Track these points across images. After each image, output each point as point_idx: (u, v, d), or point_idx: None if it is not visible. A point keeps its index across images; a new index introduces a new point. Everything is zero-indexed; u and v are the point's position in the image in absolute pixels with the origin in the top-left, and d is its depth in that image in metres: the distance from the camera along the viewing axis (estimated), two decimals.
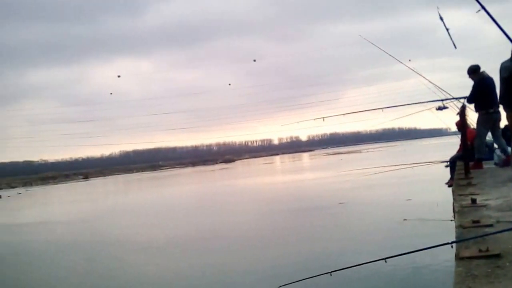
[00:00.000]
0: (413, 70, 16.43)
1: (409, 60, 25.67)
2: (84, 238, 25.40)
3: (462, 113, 11.93)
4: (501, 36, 6.31)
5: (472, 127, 14.16)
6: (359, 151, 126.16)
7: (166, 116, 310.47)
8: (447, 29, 12.08)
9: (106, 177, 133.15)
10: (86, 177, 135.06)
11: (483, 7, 6.62)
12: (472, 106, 12.54)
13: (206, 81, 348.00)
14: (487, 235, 4.93)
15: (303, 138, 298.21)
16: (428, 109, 14.19)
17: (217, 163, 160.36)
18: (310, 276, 7.31)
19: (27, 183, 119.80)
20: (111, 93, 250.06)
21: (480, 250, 4.34)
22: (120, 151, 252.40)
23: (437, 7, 12.46)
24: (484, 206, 6.86)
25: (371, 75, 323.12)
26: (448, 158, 15.80)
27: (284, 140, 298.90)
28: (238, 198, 38.85)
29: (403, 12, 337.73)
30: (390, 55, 16.19)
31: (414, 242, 13.94)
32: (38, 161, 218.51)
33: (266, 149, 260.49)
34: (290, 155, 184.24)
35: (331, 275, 6.46)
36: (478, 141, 12.52)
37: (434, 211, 19.92)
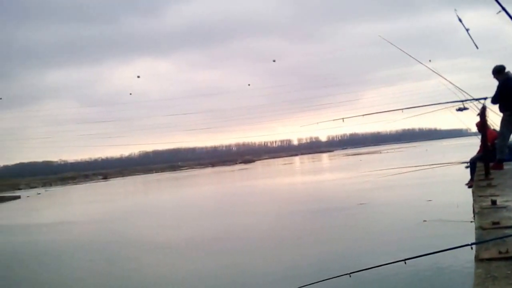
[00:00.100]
0: (433, 71, 16.32)
1: (429, 61, 25.56)
2: (102, 238, 25.51)
3: (482, 114, 11.86)
4: None
5: (492, 128, 14.06)
6: (379, 152, 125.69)
7: (186, 117, 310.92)
8: (467, 30, 12.01)
9: (126, 177, 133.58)
10: (105, 177, 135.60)
11: (503, 9, 6.59)
12: (495, 107, 12.45)
13: (225, 82, 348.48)
14: (507, 236, 4.91)
15: (323, 138, 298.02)
16: (446, 107, 14.07)
17: (236, 163, 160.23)
18: (329, 277, 7.30)
19: (46, 184, 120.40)
20: (130, 94, 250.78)
21: (500, 252, 4.33)
22: (140, 151, 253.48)
23: (455, 9, 12.39)
24: (505, 207, 6.83)
25: (390, 76, 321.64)
26: (468, 159, 15.72)
27: (304, 141, 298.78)
28: (258, 199, 38.83)
29: (423, 12, 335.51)
30: (410, 56, 16.13)
31: (433, 243, 13.86)
32: (57, 162, 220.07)
33: (285, 150, 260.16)
34: (310, 155, 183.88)
35: (350, 276, 6.46)
36: (500, 142, 12.44)
37: (454, 212, 19.81)
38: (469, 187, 13.16)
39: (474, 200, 8.60)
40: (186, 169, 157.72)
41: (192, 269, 16.75)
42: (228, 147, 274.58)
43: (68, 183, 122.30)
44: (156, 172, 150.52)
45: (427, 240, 15.78)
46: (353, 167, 65.98)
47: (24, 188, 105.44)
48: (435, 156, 56.29)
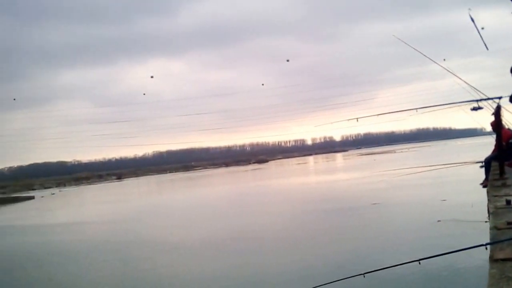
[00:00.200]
0: (448, 70, 16.24)
1: (444, 60, 25.45)
2: (117, 238, 25.58)
3: (497, 113, 11.82)
4: None
5: (507, 127, 13.99)
6: (393, 151, 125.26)
7: (199, 117, 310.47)
8: (478, 31, 11.95)
9: (139, 177, 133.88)
10: (119, 177, 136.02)
11: None
12: (510, 106, 12.37)
13: (239, 81, 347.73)
14: None
15: (337, 138, 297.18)
16: (460, 106, 14.00)
17: (250, 163, 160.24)
18: (343, 277, 7.30)
19: (60, 184, 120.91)
20: (144, 94, 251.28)
21: None
22: (154, 151, 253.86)
23: (469, 9, 12.32)
24: None
25: (405, 75, 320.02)
26: (482, 159, 15.65)
27: (318, 140, 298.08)
28: (271, 199, 38.83)
29: (437, 12, 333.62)
30: (424, 55, 16.05)
31: (447, 243, 13.84)
32: (71, 162, 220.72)
33: (299, 150, 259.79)
34: (324, 155, 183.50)
35: (364, 276, 6.45)
36: None
37: (469, 212, 19.76)
38: (484, 186, 13.11)
39: (488, 199, 8.58)
40: (200, 169, 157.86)
41: (207, 269, 16.76)
42: (242, 147, 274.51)
43: (82, 183, 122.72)
44: (170, 172, 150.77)
45: (441, 240, 15.74)
46: (367, 167, 65.88)
47: (38, 189, 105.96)
48: (450, 156, 56.07)
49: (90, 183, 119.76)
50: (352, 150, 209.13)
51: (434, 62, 16.64)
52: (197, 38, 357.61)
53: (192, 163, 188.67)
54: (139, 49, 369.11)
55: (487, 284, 4.02)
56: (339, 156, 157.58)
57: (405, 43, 16.54)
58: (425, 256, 5.71)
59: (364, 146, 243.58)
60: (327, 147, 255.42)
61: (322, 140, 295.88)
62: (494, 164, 13.23)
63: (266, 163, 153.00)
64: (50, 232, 30.90)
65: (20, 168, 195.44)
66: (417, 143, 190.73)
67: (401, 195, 30.44)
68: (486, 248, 4.90)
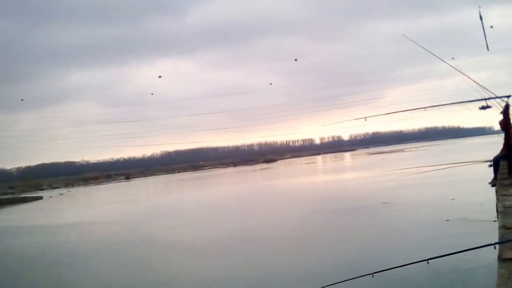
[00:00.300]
0: (456, 69, 16.19)
1: (452, 59, 25.44)
2: (126, 239, 25.61)
3: (505, 112, 11.78)
4: None
5: None
6: (402, 151, 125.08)
7: (208, 116, 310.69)
8: (484, 30, 11.93)
9: (148, 177, 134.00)
10: (127, 177, 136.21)
11: None
12: None
13: (247, 81, 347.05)
14: None
15: (345, 137, 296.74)
16: (468, 108, 13.95)
17: (258, 163, 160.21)
18: (352, 277, 7.30)
19: (68, 184, 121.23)
20: (152, 94, 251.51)
21: None
22: (162, 151, 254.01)
23: (479, 6, 12.30)
24: None
25: (413, 74, 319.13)
26: (491, 158, 15.59)
27: (326, 140, 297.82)
28: (280, 198, 38.84)
29: (446, 10, 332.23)
30: (433, 54, 16.02)
31: (456, 243, 13.81)
32: (80, 162, 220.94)
33: (307, 149, 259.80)
34: (332, 154, 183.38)
35: (373, 276, 6.46)
36: None
37: (477, 211, 19.72)
38: (493, 185, 13.07)
39: (497, 199, 8.56)
40: (208, 169, 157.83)
41: (217, 269, 16.79)
42: (250, 147, 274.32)
43: (91, 183, 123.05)
44: (178, 172, 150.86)
45: (450, 240, 15.71)
46: (376, 166, 65.82)
47: (47, 189, 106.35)
48: (459, 155, 55.92)
49: (98, 183, 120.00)
50: (360, 150, 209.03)
51: (443, 60, 16.60)
52: (205, 37, 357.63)
53: (200, 162, 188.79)
54: (147, 49, 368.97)
55: (495, 284, 4.01)
56: (347, 155, 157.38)
57: (414, 41, 16.51)
58: (434, 256, 5.71)
59: (373, 145, 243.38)
60: (336, 146, 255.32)
61: (331, 140, 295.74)
62: (503, 163, 13.19)
63: (274, 163, 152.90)
64: (58, 232, 30.96)
65: (29, 168, 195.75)
66: (425, 142, 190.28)
67: (410, 194, 30.40)
68: (495, 248, 4.89)
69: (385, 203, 27.10)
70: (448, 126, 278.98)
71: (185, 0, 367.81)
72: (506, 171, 11.22)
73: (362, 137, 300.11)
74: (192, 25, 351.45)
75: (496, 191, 9.78)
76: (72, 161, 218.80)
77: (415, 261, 6.31)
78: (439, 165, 25.21)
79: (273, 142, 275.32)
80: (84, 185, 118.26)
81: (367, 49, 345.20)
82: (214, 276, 15.68)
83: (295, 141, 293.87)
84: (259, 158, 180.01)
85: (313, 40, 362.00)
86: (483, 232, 14.60)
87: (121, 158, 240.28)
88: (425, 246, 15.46)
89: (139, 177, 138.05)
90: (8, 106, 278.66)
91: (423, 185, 32.51)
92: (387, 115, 14.55)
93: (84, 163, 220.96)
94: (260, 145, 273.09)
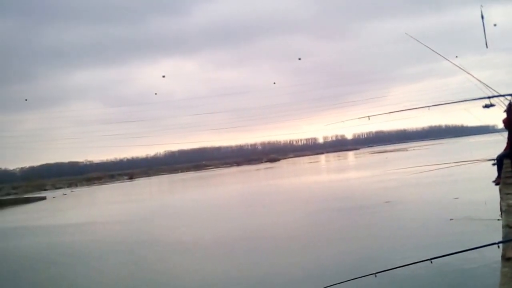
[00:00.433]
0: (459, 67, 16.15)
1: (456, 57, 25.37)
2: (129, 239, 25.61)
3: (509, 110, 11.75)
4: None
5: None
6: (405, 149, 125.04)
7: (211, 116, 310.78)
8: (484, 29, 11.88)
9: (151, 177, 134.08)
10: (131, 177, 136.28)
11: None
12: None
13: (250, 80, 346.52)
14: None
15: (348, 136, 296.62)
16: (468, 107, 13.90)
17: (261, 162, 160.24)
18: (355, 277, 7.27)
19: (72, 184, 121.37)
20: (155, 94, 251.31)
21: None
22: (165, 151, 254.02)
23: (481, 5, 12.26)
24: None
25: (417, 73, 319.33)
26: (495, 156, 15.55)
27: (329, 139, 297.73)
28: (283, 197, 38.84)
29: (449, 8, 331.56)
30: (436, 52, 15.98)
31: (460, 242, 13.78)
32: (83, 162, 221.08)
33: (311, 148, 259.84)
34: (335, 153, 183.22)
35: (376, 276, 6.42)
36: None
37: (481, 210, 19.68)
38: (496, 184, 13.03)
39: (501, 197, 8.52)
40: (211, 168, 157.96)
41: (219, 269, 16.79)
42: (254, 146, 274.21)
43: (94, 183, 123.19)
44: (181, 172, 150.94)
45: (453, 239, 15.66)
46: (379, 165, 65.77)
47: (50, 189, 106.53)
48: (462, 153, 55.90)
49: (101, 183, 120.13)
50: (363, 148, 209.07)
51: (446, 59, 16.55)
52: (208, 37, 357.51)
53: (204, 162, 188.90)
54: (151, 49, 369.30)
55: (499, 283, 3.98)
56: (350, 154, 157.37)
57: (417, 40, 16.45)
58: (437, 255, 5.68)
59: (376, 144, 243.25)
60: (339, 145, 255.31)
61: (334, 139, 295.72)
62: (506, 162, 13.17)
63: (277, 162, 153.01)
64: (62, 232, 30.97)
65: (32, 168, 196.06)
66: (429, 141, 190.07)
67: (413, 193, 30.34)
68: (499, 247, 4.87)
69: (388, 202, 27.07)
70: (452, 125, 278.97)
71: (188, 0, 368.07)
72: (510, 169, 11.19)
73: (365, 136, 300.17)
74: (195, 24, 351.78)
75: (500, 190, 9.75)
76: (76, 161, 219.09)
77: (418, 260, 6.28)
78: (443, 164, 25.17)
79: (276, 141, 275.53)
80: (87, 185, 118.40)
81: (370, 48, 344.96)
82: (217, 276, 15.68)
83: (298, 140, 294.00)
84: (262, 158, 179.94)
85: (315, 39, 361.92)
86: (486, 231, 14.58)
87: (124, 158, 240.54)
88: (429, 245, 15.41)
89: (143, 177, 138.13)
90: (11, 106, 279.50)
91: (427, 184, 32.44)
92: (391, 114, 14.50)
93: (88, 163, 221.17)
94: (263, 144, 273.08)
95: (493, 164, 15.89)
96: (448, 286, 11.77)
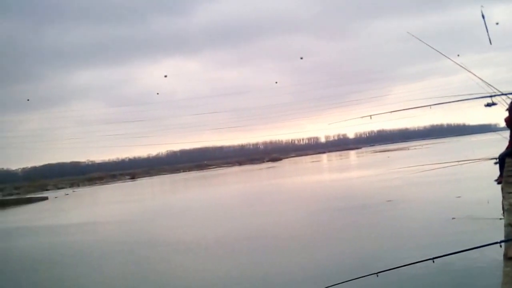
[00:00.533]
0: (461, 66, 16.11)
1: (458, 55, 25.27)
2: (131, 239, 25.60)
3: (511, 109, 11.70)
4: None
5: None
6: (407, 148, 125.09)
7: (213, 115, 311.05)
8: (486, 26, 11.84)
9: (153, 177, 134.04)
10: (133, 177, 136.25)
11: None
12: None
13: (252, 80, 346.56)
14: None
15: (350, 135, 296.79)
16: (471, 105, 13.87)
17: (263, 161, 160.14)
18: (356, 277, 7.24)
19: (74, 184, 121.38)
20: (157, 93, 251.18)
21: None
22: (167, 150, 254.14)
23: (481, 6, 12.21)
24: None
25: (419, 71, 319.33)
26: (497, 155, 15.51)
27: (331, 138, 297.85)
28: (285, 197, 38.83)
29: (451, 7, 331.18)
30: (438, 51, 15.93)
31: (462, 241, 13.74)
32: (85, 162, 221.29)
33: (312, 147, 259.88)
34: (337, 153, 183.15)
35: (377, 276, 6.40)
36: None
37: (483, 209, 19.66)
38: (499, 183, 12.99)
39: (503, 196, 8.49)
40: (214, 168, 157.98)
41: (220, 269, 16.77)
42: (256, 146, 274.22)
43: (96, 183, 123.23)
44: (183, 172, 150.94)
45: (455, 238, 15.64)
46: (381, 164, 65.80)
47: (52, 189, 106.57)
48: (464, 152, 55.85)
49: (103, 183, 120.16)
50: (365, 148, 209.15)
51: (448, 58, 16.49)
52: (211, 37, 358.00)
53: (205, 162, 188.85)
54: (153, 48, 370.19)
55: (501, 282, 3.96)
56: (352, 153, 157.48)
57: (419, 39, 16.40)
58: (439, 255, 5.65)
59: (378, 143, 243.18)
60: (341, 144, 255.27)
61: (336, 138, 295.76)
62: (508, 160, 13.12)
63: (279, 161, 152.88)
64: (64, 232, 30.99)
65: (34, 168, 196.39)
66: (431, 140, 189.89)
67: (415, 192, 30.35)
68: (501, 246, 4.84)
69: (390, 201, 27.08)
70: (453, 124, 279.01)
71: (189, 0, 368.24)
72: None
73: (367, 135, 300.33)
74: (197, 24, 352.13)
75: (502, 189, 9.71)
76: (78, 161, 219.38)
77: (420, 260, 6.25)
78: (444, 162, 25.14)
79: (278, 140, 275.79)
80: (89, 185, 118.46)
81: (371, 47, 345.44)
82: (218, 276, 15.67)
83: (300, 140, 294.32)
84: (264, 157, 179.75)
85: (317, 39, 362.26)
86: (489, 230, 14.54)
87: (126, 158, 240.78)
88: (430, 244, 15.38)
89: (145, 176, 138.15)
90: (13, 107, 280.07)
91: (428, 183, 32.41)
92: (393, 113, 14.47)
93: (90, 163, 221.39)
94: (265, 144, 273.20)
95: (495, 163, 15.85)
96: (450, 286, 11.76)
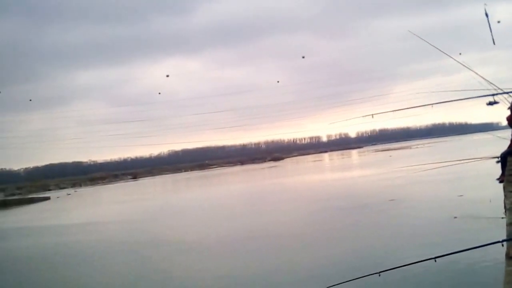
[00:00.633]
0: (463, 64, 16.09)
1: (459, 54, 25.26)
2: (133, 238, 25.59)
3: None
4: None
5: None
6: (409, 147, 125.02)
7: (215, 115, 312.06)
8: (490, 26, 11.83)
9: (155, 176, 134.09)
10: (135, 177, 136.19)
11: None
12: None
13: (254, 79, 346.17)
14: None
15: (352, 134, 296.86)
16: (473, 104, 13.87)
17: (265, 161, 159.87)
18: (359, 276, 7.24)
19: (76, 184, 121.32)
20: (159, 93, 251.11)
21: None
22: (169, 150, 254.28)
23: (485, 4, 12.20)
24: None
25: (420, 70, 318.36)
26: (499, 154, 15.50)
27: (333, 137, 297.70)
28: (287, 196, 38.79)
29: (453, 6, 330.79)
30: (440, 50, 15.91)
31: (464, 240, 13.75)
32: (87, 162, 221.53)
33: (314, 147, 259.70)
34: (339, 152, 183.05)
35: (379, 275, 6.41)
36: None
37: (485, 208, 19.65)
38: (500, 182, 13.00)
39: (505, 195, 8.49)
40: (215, 167, 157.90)
41: (222, 268, 16.76)
42: (257, 145, 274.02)
43: (98, 183, 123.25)
44: (185, 171, 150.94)
45: (457, 237, 15.64)
46: (383, 163, 65.74)
47: (54, 189, 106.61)
48: (466, 150, 55.82)
49: (105, 183, 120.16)
50: (367, 147, 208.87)
51: (450, 56, 16.48)
52: (212, 36, 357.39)
53: (207, 161, 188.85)
54: (154, 48, 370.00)
55: (503, 281, 3.96)
56: (354, 152, 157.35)
57: (421, 38, 16.38)
58: (441, 254, 5.66)
59: (380, 142, 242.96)
60: (342, 143, 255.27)
61: (337, 137, 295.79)
62: (510, 159, 13.13)
63: (281, 161, 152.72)
64: (66, 232, 30.98)
65: (36, 169, 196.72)
66: (432, 139, 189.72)
67: (417, 191, 30.35)
68: (503, 245, 4.84)
69: (392, 200, 27.06)
70: (455, 122, 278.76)
71: None
72: None
73: (369, 134, 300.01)
74: (199, 24, 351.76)
75: (504, 188, 9.71)
76: (79, 161, 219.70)
77: (422, 259, 6.26)
78: (446, 161, 25.13)
79: (280, 140, 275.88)
80: (91, 185, 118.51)
81: (373, 46, 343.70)
82: (220, 275, 15.66)
83: (302, 139, 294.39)
84: (266, 156, 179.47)
85: (319, 38, 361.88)
86: (491, 229, 14.53)
87: (128, 157, 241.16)
88: (433, 243, 15.36)
89: (146, 176, 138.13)
90: (15, 107, 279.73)
91: (430, 182, 32.39)
92: (394, 112, 14.46)
93: (91, 163, 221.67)
94: (267, 143, 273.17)
95: (497, 162, 15.84)
96: (452, 285, 11.75)
